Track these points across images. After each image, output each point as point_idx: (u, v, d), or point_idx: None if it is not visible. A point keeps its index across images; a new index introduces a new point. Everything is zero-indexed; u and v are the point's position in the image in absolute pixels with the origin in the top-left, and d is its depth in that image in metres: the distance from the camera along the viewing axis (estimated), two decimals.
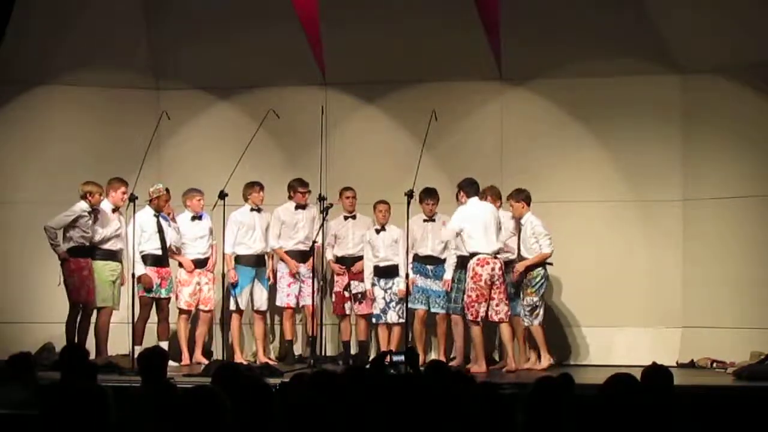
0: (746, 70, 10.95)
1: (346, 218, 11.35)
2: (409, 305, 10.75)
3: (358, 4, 11.62)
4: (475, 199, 10.49)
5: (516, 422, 4.86)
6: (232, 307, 11.26)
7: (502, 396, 4.98)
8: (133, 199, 10.56)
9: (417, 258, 10.99)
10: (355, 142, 12.00)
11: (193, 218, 11.20)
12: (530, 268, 10.55)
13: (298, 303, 11.29)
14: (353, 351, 11.38)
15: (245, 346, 11.54)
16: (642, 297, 11.44)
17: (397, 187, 10.57)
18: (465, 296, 10.41)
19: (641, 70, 11.35)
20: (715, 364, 10.78)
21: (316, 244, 11.02)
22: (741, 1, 10.77)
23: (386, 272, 11.08)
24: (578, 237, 11.43)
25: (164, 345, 10.62)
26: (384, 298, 11.08)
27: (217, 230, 11.16)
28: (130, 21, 11.94)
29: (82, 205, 10.63)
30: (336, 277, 11.39)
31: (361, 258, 11.22)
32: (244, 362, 10.88)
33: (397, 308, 11.04)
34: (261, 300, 11.33)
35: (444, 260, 10.94)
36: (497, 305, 10.36)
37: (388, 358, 8.18)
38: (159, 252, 10.96)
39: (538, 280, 10.56)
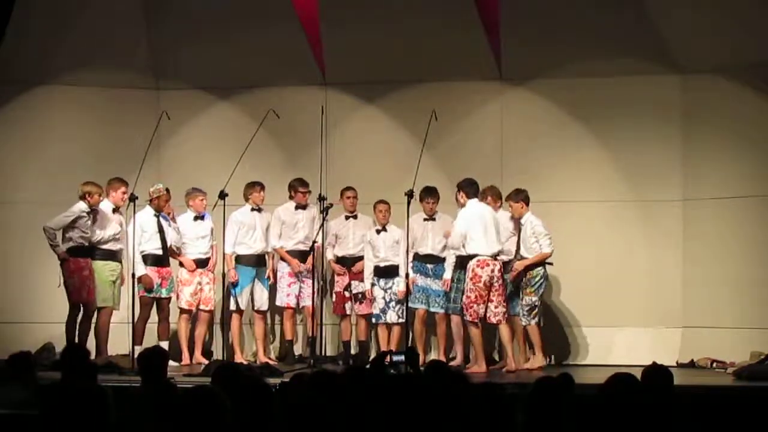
0: (746, 70, 10.95)
1: (347, 218, 11.35)
2: (410, 305, 10.75)
3: (358, 4, 11.62)
4: (474, 201, 10.49)
5: (516, 422, 4.86)
6: (233, 307, 11.26)
7: (503, 396, 4.97)
8: (133, 199, 10.56)
9: (417, 257, 10.99)
10: (355, 142, 12.00)
11: (196, 218, 11.20)
12: (530, 268, 10.55)
13: (298, 303, 11.30)
14: (353, 351, 11.38)
15: (245, 346, 11.54)
16: (642, 297, 11.44)
17: (397, 187, 10.57)
18: (464, 297, 10.41)
19: (641, 70, 11.35)
20: (715, 364, 10.78)
21: (315, 244, 11.02)
22: (741, 1, 10.77)
23: (386, 272, 11.07)
24: (578, 237, 11.43)
25: (164, 345, 10.62)
26: (384, 298, 11.08)
27: (217, 230, 11.17)
28: (130, 21, 11.94)
29: (81, 206, 10.62)
30: (336, 277, 11.38)
31: (361, 258, 11.22)
32: (244, 362, 10.88)
33: (397, 308, 11.04)
34: (261, 300, 11.33)
35: (444, 259, 10.94)
36: (495, 307, 10.36)
37: (388, 358, 8.17)
38: (159, 252, 10.96)
39: (537, 280, 10.55)
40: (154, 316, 11.02)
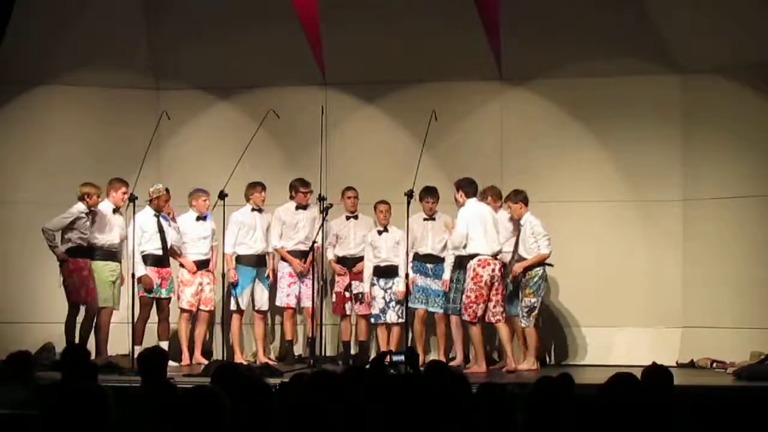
0: (746, 70, 10.95)
1: (348, 218, 11.35)
2: (409, 305, 10.75)
3: (358, 4, 11.62)
4: (473, 200, 10.49)
5: (516, 422, 4.86)
6: (233, 307, 11.26)
7: (503, 396, 4.97)
8: (133, 199, 10.55)
9: (417, 257, 10.99)
10: (355, 142, 12.00)
11: (198, 218, 11.20)
12: (528, 269, 10.54)
13: (298, 303, 11.29)
14: (353, 351, 11.38)
15: (245, 346, 11.53)
16: (642, 297, 11.44)
17: (397, 187, 10.57)
18: (464, 296, 10.41)
19: (641, 70, 11.36)
20: (715, 364, 10.78)
21: (315, 245, 11.01)
22: (741, 1, 10.77)
23: (386, 272, 11.07)
24: (578, 237, 11.43)
25: (164, 345, 10.62)
26: (384, 297, 11.08)
27: (217, 230, 11.17)
28: (130, 21, 11.94)
29: (80, 207, 10.62)
30: (337, 277, 11.38)
31: (362, 258, 11.21)
32: (244, 362, 10.87)
33: (397, 308, 11.04)
34: (262, 300, 11.33)
35: (444, 259, 10.94)
36: (494, 306, 10.36)
37: (388, 358, 8.17)
38: (159, 252, 10.96)
39: (536, 281, 10.54)
40: (154, 316, 11.02)
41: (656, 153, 11.46)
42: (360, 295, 11.22)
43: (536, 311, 10.53)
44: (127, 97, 12.07)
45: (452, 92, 11.74)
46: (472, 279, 10.32)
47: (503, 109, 11.80)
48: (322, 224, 11.02)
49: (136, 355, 9.01)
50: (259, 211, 11.26)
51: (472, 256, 10.36)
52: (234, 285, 11.18)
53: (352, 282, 11.26)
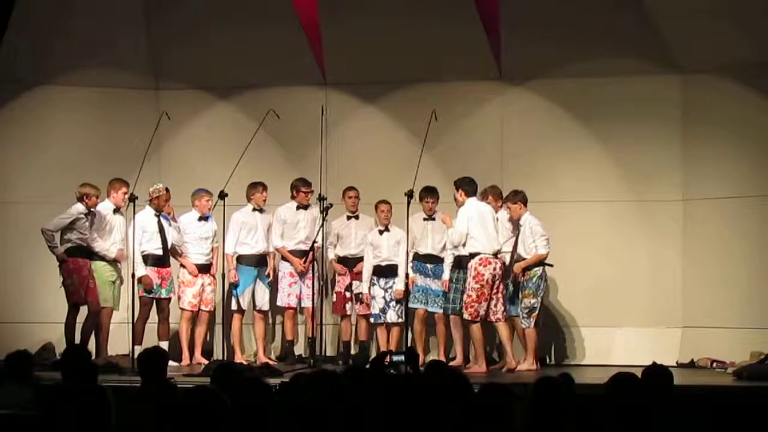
0: (746, 70, 10.95)
1: (348, 218, 11.35)
2: (409, 305, 10.75)
3: (358, 4, 11.62)
4: (473, 199, 10.50)
5: (516, 422, 4.86)
6: (234, 307, 11.25)
7: (503, 396, 4.97)
8: (133, 199, 10.55)
9: (417, 256, 10.99)
10: (355, 142, 12.00)
11: (200, 219, 11.20)
12: (527, 269, 10.54)
13: (299, 303, 11.29)
14: (353, 351, 11.37)
15: (246, 346, 11.53)
16: (642, 297, 11.44)
17: (398, 187, 10.57)
18: (465, 296, 10.41)
19: (641, 70, 11.35)
20: (715, 364, 10.78)
21: (315, 245, 11.01)
22: (741, 1, 10.76)
23: (386, 272, 11.07)
24: (578, 237, 11.43)
25: (164, 345, 10.63)
26: (384, 297, 11.07)
27: (218, 230, 11.16)
28: (130, 21, 11.93)
29: (79, 207, 10.62)
30: (338, 277, 11.38)
31: (363, 258, 11.21)
32: (244, 362, 10.87)
33: (397, 308, 11.04)
34: (263, 300, 11.33)
35: (443, 259, 10.94)
36: (495, 305, 10.37)
37: (388, 358, 8.17)
38: (160, 252, 10.95)
39: (535, 281, 10.53)
40: (154, 317, 11.01)
41: (656, 153, 11.46)
42: (360, 295, 11.22)
43: (536, 312, 10.53)
44: (127, 97, 12.07)
45: (452, 92, 11.73)
46: (474, 278, 10.32)
47: (503, 109, 11.80)
48: (322, 224, 11.02)
49: (136, 355, 9.01)
50: (260, 211, 11.26)
51: (472, 255, 10.36)
52: (235, 285, 11.18)
53: (353, 282, 11.26)
